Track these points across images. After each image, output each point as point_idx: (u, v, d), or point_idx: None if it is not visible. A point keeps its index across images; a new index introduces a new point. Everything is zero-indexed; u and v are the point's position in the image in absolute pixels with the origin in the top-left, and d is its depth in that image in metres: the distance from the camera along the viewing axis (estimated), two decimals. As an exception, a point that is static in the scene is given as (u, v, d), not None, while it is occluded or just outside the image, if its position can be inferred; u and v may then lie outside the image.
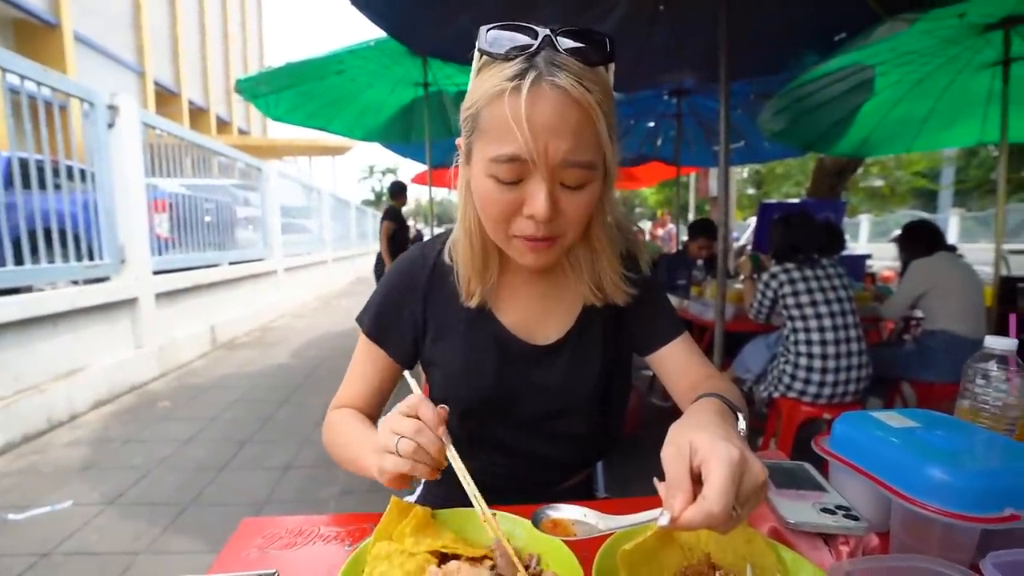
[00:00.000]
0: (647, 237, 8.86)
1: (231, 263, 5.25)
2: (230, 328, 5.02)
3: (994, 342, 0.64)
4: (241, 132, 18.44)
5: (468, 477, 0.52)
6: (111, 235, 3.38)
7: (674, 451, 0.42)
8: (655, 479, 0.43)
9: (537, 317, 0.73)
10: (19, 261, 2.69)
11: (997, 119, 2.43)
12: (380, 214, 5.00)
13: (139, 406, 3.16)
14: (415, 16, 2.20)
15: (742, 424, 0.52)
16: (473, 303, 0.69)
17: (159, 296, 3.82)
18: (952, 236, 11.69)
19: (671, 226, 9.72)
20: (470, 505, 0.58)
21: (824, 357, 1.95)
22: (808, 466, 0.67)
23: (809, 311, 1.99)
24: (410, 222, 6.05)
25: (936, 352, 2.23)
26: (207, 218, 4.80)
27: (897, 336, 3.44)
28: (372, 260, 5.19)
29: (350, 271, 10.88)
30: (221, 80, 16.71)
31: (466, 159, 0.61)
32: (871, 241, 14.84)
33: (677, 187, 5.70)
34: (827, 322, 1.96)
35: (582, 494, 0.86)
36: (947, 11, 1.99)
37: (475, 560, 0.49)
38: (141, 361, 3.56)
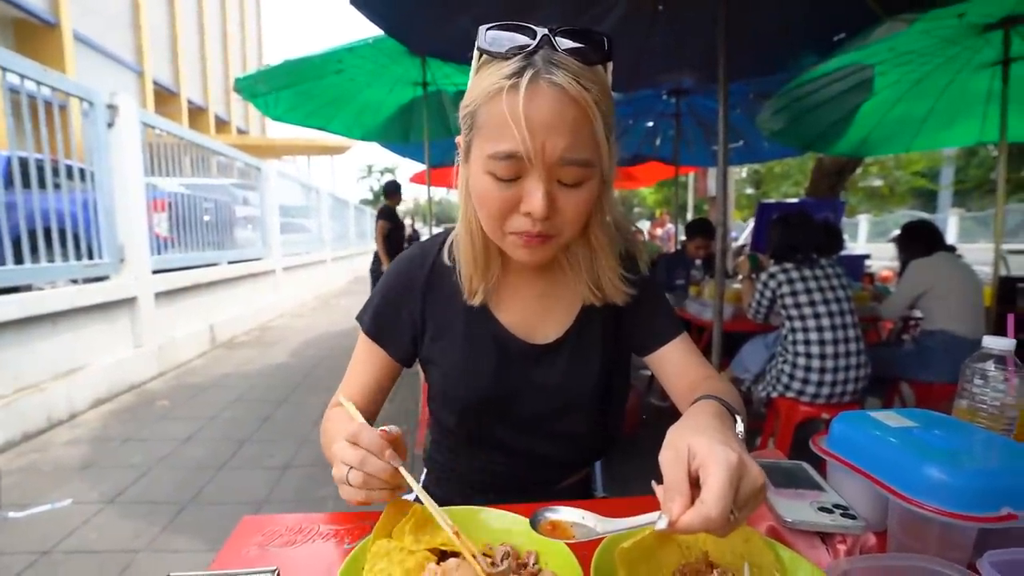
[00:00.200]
0: (646, 237, 8.85)
1: (230, 262, 5.25)
2: (229, 327, 5.02)
3: (992, 342, 0.64)
4: (240, 131, 18.42)
5: (428, 497, 0.52)
6: (110, 234, 3.38)
7: (672, 455, 0.42)
8: (653, 482, 0.43)
9: (536, 316, 0.73)
10: (19, 260, 2.69)
11: (996, 119, 2.44)
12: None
13: (138, 405, 3.16)
14: (414, 16, 2.20)
15: (740, 427, 0.52)
16: (476, 301, 0.69)
17: (158, 295, 3.82)
18: (951, 236, 11.71)
19: (670, 226, 9.72)
20: (468, 504, 0.58)
21: (823, 357, 1.96)
22: (806, 465, 0.67)
23: (808, 311, 1.99)
24: (407, 221, 6.02)
25: (935, 352, 2.23)
26: (206, 217, 4.80)
27: (896, 336, 3.44)
28: (371, 260, 5.18)
29: (349, 270, 10.88)
30: (220, 80, 16.69)
31: (465, 157, 0.61)
32: (870, 241, 14.85)
33: (676, 187, 5.70)
34: (825, 322, 1.96)
35: (581, 493, 0.86)
36: (946, 11, 1.99)
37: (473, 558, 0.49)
38: (140, 360, 3.56)
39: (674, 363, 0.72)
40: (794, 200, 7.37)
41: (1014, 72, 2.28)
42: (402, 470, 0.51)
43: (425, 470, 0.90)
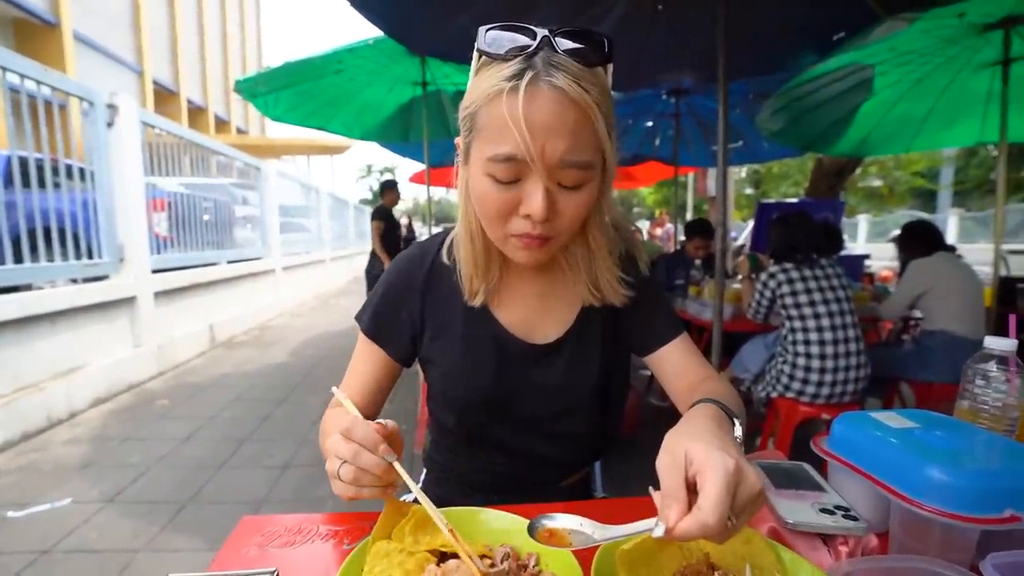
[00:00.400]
0: (645, 237, 8.85)
1: (229, 262, 5.25)
2: (228, 327, 5.02)
3: (994, 343, 0.64)
4: (239, 131, 18.41)
5: (423, 494, 0.51)
6: (110, 234, 3.38)
7: (669, 460, 0.42)
8: (651, 488, 0.43)
9: (536, 316, 0.73)
10: (18, 259, 2.69)
11: (996, 119, 2.44)
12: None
13: (138, 404, 3.16)
14: (414, 16, 2.20)
15: (738, 431, 0.52)
16: (476, 302, 0.69)
17: (158, 295, 3.82)
18: (951, 236, 11.70)
19: (669, 226, 9.71)
20: (468, 504, 0.58)
21: (822, 357, 1.95)
22: (807, 466, 0.67)
23: (807, 311, 1.99)
24: (403, 220, 5.93)
25: (935, 352, 2.23)
26: (206, 217, 4.79)
27: (895, 336, 3.44)
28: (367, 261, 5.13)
29: (348, 270, 10.87)
30: (220, 79, 16.68)
31: (464, 159, 0.61)
32: (869, 241, 14.85)
33: (675, 187, 5.70)
34: (825, 322, 1.96)
35: (581, 493, 0.86)
36: (947, 10, 1.99)
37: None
38: (140, 360, 3.56)
39: (674, 364, 0.72)
40: (794, 200, 7.37)
41: (1014, 72, 2.28)
42: (397, 466, 0.50)
43: (424, 470, 0.90)
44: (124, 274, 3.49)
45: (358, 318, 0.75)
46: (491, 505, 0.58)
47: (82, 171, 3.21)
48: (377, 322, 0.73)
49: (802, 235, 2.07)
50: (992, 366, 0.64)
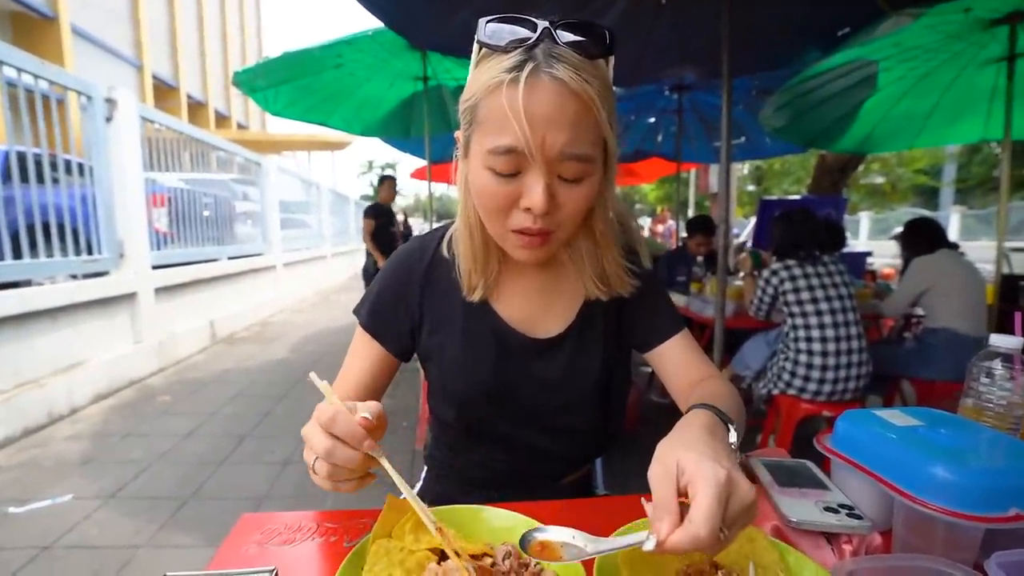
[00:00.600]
0: (647, 234, 8.85)
1: (230, 258, 5.24)
2: (229, 323, 5.02)
3: (1000, 340, 0.63)
4: (240, 127, 18.37)
5: (408, 487, 0.49)
6: (110, 229, 3.37)
7: (661, 471, 0.42)
8: (643, 499, 0.43)
9: (537, 310, 0.72)
10: (18, 255, 2.68)
11: (1001, 116, 2.42)
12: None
13: (139, 400, 3.16)
14: (415, 9, 2.18)
15: (733, 437, 0.51)
16: (475, 297, 0.69)
17: (158, 291, 3.81)
18: (952, 234, 11.69)
19: (671, 222, 9.70)
20: (468, 503, 0.58)
21: (824, 354, 1.95)
22: (810, 464, 0.66)
23: (810, 308, 1.98)
24: (399, 217, 5.63)
25: (937, 350, 2.23)
26: (206, 213, 4.78)
27: (897, 334, 3.44)
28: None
29: (349, 266, 10.87)
30: (220, 74, 16.64)
31: (464, 152, 0.60)
32: (871, 238, 14.84)
33: (677, 183, 5.69)
34: (827, 319, 1.95)
35: (582, 490, 0.86)
36: (952, 5, 1.97)
37: (474, 557, 0.49)
38: (140, 356, 3.56)
39: (674, 361, 0.72)
40: (796, 197, 7.35)
41: (1020, 68, 2.27)
42: (385, 463, 0.47)
43: (426, 467, 0.90)
44: (124, 270, 3.48)
45: (356, 311, 0.74)
46: (492, 503, 0.58)
47: (81, 166, 3.20)
48: (375, 316, 0.73)
49: (805, 232, 2.06)
50: (997, 364, 0.63)
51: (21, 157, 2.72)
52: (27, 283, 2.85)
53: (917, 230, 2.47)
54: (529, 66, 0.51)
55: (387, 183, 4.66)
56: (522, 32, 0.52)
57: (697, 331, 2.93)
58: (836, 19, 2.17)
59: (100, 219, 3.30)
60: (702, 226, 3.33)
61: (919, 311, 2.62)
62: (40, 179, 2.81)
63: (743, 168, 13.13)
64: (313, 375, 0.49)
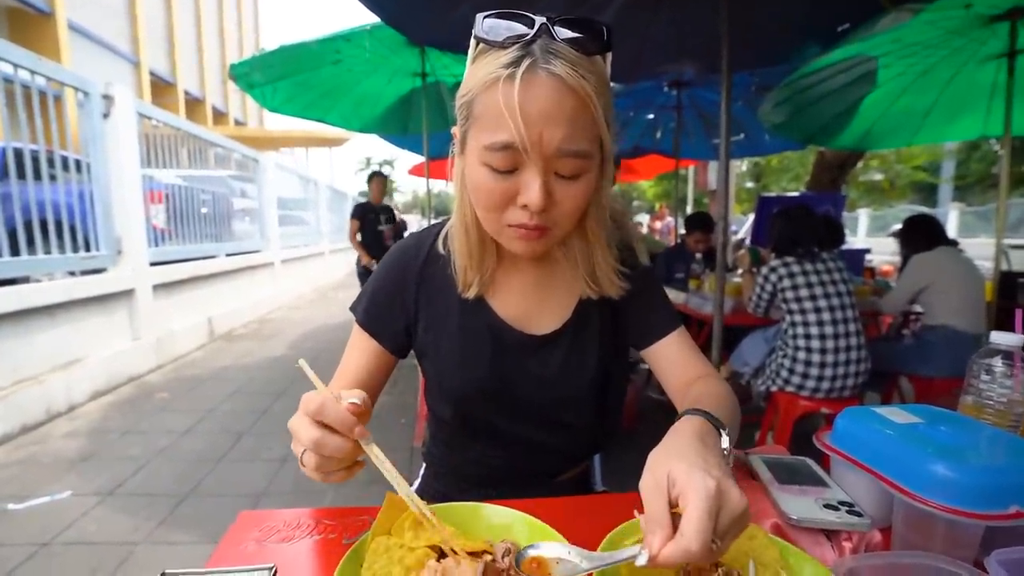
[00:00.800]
0: (645, 230, 8.85)
1: (228, 255, 5.23)
2: (227, 320, 5.01)
3: (1000, 337, 0.63)
4: (237, 123, 18.29)
5: (396, 472, 0.48)
6: (107, 226, 3.36)
7: (652, 483, 0.42)
8: (635, 511, 0.43)
9: (533, 307, 0.72)
10: (15, 252, 2.67)
11: (1001, 112, 2.42)
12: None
13: (137, 397, 3.16)
14: (413, 5, 2.17)
15: (725, 442, 0.51)
16: (471, 294, 0.69)
17: (156, 288, 3.80)
18: (951, 231, 11.69)
19: (669, 219, 9.70)
20: (465, 499, 0.58)
21: (823, 351, 1.95)
22: (810, 461, 0.66)
23: (808, 305, 1.98)
24: (397, 216, 5.42)
25: (936, 347, 2.23)
26: (204, 209, 4.77)
27: (896, 331, 3.44)
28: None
29: (347, 263, 10.85)
30: (217, 71, 16.55)
31: (461, 148, 0.60)
32: (870, 235, 14.84)
33: (676, 180, 5.69)
34: (826, 316, 1.96)
35: (580, 488, 0.86)
36: (953, 1, 1.97)
37: (474, 555, 0.49)
38: (138, 352, 3.56)
39: (670, 359, 0.71)
40: (795, 194, 7.35)
41: (1020, 64, 2.26)
42: (376, 450, 0.47)
43: (424, 464, 0.90)
44: (122, 267, 3.47)
45: (353, 308, 0.74)
46: (489, 500, 0.58)
47: (78, 163, 3.18)
48: (371, 312, 0.73)
49: (803, 229, 2.06)
50: (998, 361, 0.63)
51: (18, 154, 2.70)
52: (25, 280, 2.84)
53: (916, 227, 2.47)
54: (526, 62, 0.50)
55: (376, 181, 4.39)
56: (519, 28, 0.52)
57: (696, 328, 2.93)
58: (836, 15, 2.17)
59: (98, 216, 3.28)
60: (701, 223, 3.33)
61: (918, 308, 2.62)
62: (37, 176, 2.80)
63: (742, 165, 13.12)
64: (302, 362, 0.49)
